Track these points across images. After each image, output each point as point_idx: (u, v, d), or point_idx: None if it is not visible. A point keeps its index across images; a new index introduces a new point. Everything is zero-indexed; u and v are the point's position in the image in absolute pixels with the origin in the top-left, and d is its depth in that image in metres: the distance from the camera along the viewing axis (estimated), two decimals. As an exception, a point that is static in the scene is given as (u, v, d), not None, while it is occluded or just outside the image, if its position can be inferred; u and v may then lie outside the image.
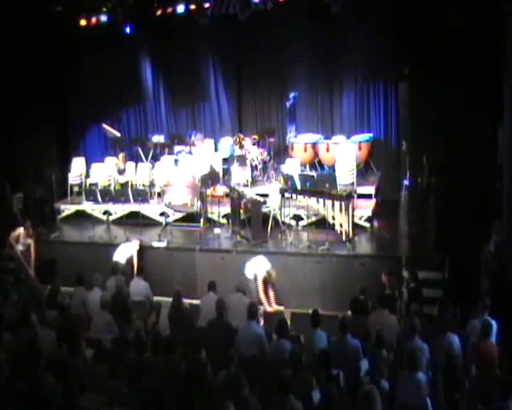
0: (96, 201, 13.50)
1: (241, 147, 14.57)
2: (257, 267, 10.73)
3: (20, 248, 12.16)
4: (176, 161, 14.76)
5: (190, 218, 13.29)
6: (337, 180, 12.35)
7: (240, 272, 11.12)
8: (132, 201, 13.16)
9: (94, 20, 14.89)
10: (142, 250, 12.09)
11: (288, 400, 6.22)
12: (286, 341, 7.73)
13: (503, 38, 10.34)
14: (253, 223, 12.04)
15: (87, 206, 14.24)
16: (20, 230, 12.22)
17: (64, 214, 14.66)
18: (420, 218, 12.31)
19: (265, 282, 10.69)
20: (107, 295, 9.49)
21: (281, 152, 15.43)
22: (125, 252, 11.63)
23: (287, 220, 12.77)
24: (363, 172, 14.26)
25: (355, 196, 12.55)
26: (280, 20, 14.47)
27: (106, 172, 14.94)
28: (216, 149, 15.57)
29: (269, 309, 10.48)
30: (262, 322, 9.60)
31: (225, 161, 14.74)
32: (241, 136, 14.84)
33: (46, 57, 14.76)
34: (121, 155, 15.42)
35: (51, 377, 6.69)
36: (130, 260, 11.56)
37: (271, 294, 10.74)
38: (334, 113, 15.38)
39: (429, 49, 11.69)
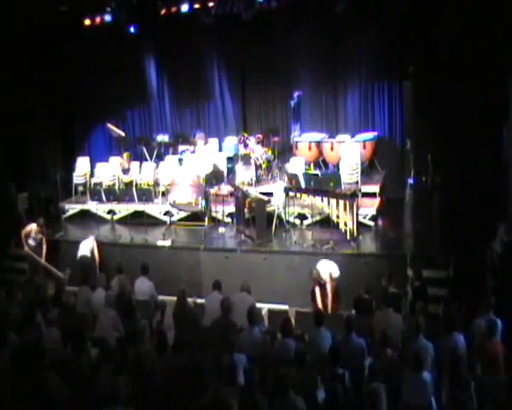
0: (100, 200, 13.52)
1: (246, 146, 14.58)
2: (326, 269, 10.27)
3: (31, 243, 12.22)
4: (180, 160, 14.79)
5: (195, 217, 13.30)
6: (341, 179, 12.36)
7: (244, 272, 11.14)
8: (137, 200, 13.18)
9: (98, 19, 14.94)
10: (99, 246, 12.34)
11: (289, 397, 6.22)
12: (291, 340, 7.73)
13: (507, 36, 10.32)
14: (258, 222, 12.03)
15: (92, 205, 14.28)
16: (33, 225, 12.30)
17: (69, 214, 14.70)
18: (424, 216, 12.28)
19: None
20: (111, 292, 9.53)
21: (285, 151, 15.43)
22: (87, 246, 12.02)
23: (291, 219, 12.77)
24: (367, 170, 14.24)
25: (359, 194, 12.54)
26: (284, 19, 14.49)
27: (110, 171, 14.97)
28: (220, 149, 15.59)
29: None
30: (266, 322, 9.62)
31: (230, 160, 14.76)
32: (246, 135, 14.85)
33: (51, 57, 14.78)
34: (126, 155, 15.43)
35: (56, 377, 6.70)
36: (92, 251, 12.02)
37: (329, 300, 10.25)
38: (339, 111, 15.38)
39: (434, 48, 11.66)
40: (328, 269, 10.23)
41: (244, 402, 6.25)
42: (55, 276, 12.10)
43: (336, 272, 10.27)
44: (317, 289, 10.11)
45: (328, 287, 10.14)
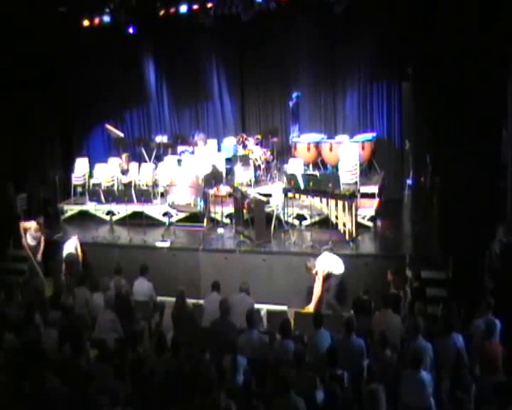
0: (99, 201, 13.51)
1: (245, 147, 14.57)
2: (322, 263, 10.38)
3: (29, 241, 12.22)
4: (179, 161, 14.77)
5: (194, 218, 13.30)
6: (340, 180, 12.36)
7: (243, 272, 11.14)
8: (136, 201, 13.17)
9: (97, 20, 14.88)
10: (82, 245, 12.48)
11: (290, 397, 6.22)
12: (290, 341, 7.73)
13: (507, 36, 10.31)
14: (257, 223, 12.03)
15: (90, 206, 14.26)
16: (32, 223, 12.30)
17: (67, 215, 14.68)
18: (423, 217, 12.28)
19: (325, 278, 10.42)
20: (110, 294, 9.53)
21: (284, 152, 15.43)
22: (71, 245, 12.15)
23: (290, 220, 12.76)
24: (366, 171, 14.24)
25: (358, 195, 12.55)
26: (283, 19, 14.48)
27: (109, 172, 14.94)
28: (219, 149, 15.58)
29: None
30: (265, 323, 9.62)
31: (228, 160, 14.74)
32: (245, 135, 14.84)
33: (49, 58, 14.77)
34: (124, 156, 15.41)
35: (55, 378, 6.69)
36: (76, 249, 12.21)
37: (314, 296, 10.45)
38: (338, 112, 15.36)
39: (433, 49, 11.66)
40: (323, 264, 10.31)
41: (242, 405, 6.26)
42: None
43: (336, 270, 10.35)
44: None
45: (317, 281, 10.25)
